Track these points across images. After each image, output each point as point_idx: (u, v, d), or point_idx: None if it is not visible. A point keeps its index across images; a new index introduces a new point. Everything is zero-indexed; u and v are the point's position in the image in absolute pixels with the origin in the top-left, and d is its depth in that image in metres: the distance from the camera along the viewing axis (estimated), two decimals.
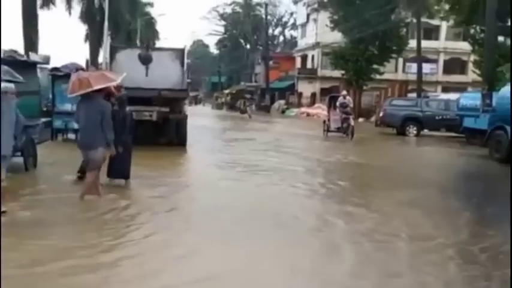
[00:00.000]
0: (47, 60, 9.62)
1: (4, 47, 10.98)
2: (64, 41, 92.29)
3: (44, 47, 23.38)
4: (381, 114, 20.95)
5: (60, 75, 12.01)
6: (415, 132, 19.58)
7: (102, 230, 5.18)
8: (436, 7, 28.99)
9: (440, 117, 18.95)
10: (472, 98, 15.89)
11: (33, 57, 8.28)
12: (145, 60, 13.83)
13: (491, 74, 16.13)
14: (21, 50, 17.27)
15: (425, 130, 19.90)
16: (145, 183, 7.54)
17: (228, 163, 10.37)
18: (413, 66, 32.75)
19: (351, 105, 17.53)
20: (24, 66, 8.34)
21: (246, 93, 44.93)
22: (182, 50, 14.97)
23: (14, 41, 32.37)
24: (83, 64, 14.70)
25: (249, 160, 10.84)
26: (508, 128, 11.60)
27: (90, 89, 6.18)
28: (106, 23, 22.47)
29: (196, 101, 71.44)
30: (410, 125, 19.60)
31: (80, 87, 6.25)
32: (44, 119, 8.69)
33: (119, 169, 7.28)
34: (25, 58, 8.05)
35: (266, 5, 48.79)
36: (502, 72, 17.59)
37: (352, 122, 16.87)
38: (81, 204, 6.22)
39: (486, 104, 14.43)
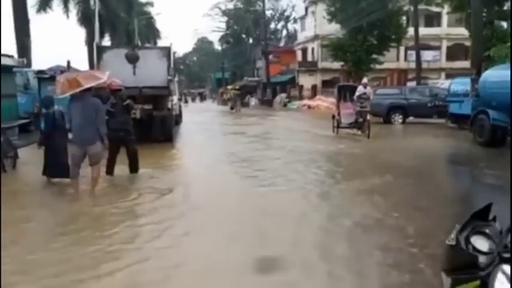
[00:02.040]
0: (21, 63, 9.87)
1: None
2: (67, 44, 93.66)
3: (43, 50, 23.76)
4: None
5: (46, 78, 12.30)
6: (400, 120, 19.69)
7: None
8: None
9: (432, 103, 18.89)
10: (462, 84, 15.88)
11: (5, 61, 8.49)
12: (132, 59, 14.09)
13: (479, 59, 16.05)
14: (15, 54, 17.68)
15: (411, 118, 19.89)
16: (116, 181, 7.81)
17: (214, 158, 10.50)
18: (415, 54, 32.56)
19: (372, 96, 14.83)
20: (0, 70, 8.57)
21: (247, 88, 45.22)
22: (168, 48, 15.19)
23: (8, 46, 32.92)
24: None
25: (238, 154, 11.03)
26: (490, 112, 11.60)
27: (80, 88, 6.49)
28: (97, 24, 22.76)
29: (202, 97, 71.81)
30: (396, 113, 19.65)
31: (70, 87, 6.54)
32: (23, 121, 8.90)
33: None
34: None
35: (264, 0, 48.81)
36: (490, 56, 17.48)
37: (368, 117, 14.29)
38: (47, 204, 6.49)
39: (475, 89, 14.41)
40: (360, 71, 32.61)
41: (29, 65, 18.62)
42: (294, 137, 14.91)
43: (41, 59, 22.58)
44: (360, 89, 14.53)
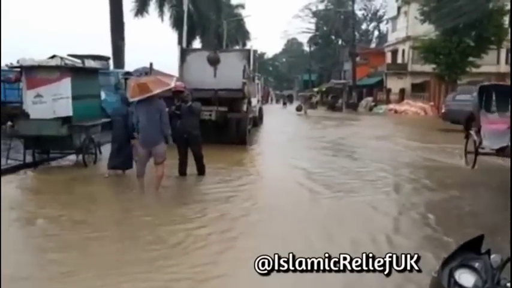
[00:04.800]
0: (104, 66, 10.69)
1: (94, 52, 12.42)
2: (162, 46, 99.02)
3: (138, 52, 25.31)
4: (443, 110, 19.45)
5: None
6: None
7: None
8: None
9: None
10: None
11: (88, 63, 9.22)
12: (213, 62, 14.52)
13: None
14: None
15: None
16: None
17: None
18: None
19: None
20: (86, 72, 9.33)
21: (333, 90, 44.61)
22: (248, 51, 15.49)
23: (104, 48, 35.84)
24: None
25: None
26: None
27: (149, 94, 6.82)
28: (185, 27, 23.84)
29: (290, 99, 71.94)
30: None
31: (141, 92, 6.91)
32: (106, 119, 9.51)
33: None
34: (83, 65, 9.00)
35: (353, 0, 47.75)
36: None
37: None
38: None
39: None
40: (454, 75, 30.83)
41: (122, 66, 20.04)
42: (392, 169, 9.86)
43: (135, 60, 24.03)
44: None
